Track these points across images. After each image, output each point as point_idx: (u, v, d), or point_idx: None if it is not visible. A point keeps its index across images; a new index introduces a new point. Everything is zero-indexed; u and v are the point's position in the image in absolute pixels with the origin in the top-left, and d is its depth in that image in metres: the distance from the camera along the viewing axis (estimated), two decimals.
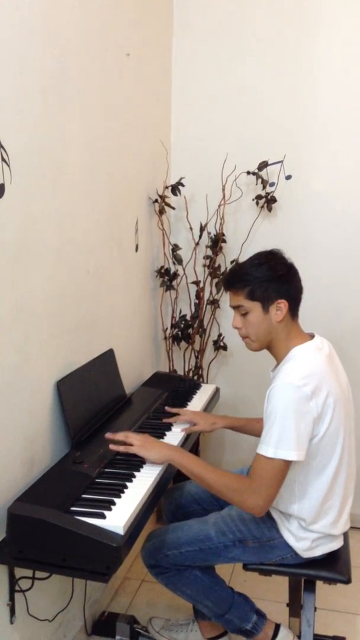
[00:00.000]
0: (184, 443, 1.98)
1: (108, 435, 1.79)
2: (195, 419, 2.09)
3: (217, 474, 1.73)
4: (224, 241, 2.77)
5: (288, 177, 2.66)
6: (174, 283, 2.77)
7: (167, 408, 2.14)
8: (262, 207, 2.72)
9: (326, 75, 2.65)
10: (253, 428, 2.12)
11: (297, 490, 1.73)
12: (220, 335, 2.88)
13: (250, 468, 1.69)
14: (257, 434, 2.12)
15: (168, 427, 2.04)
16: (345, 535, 1.87)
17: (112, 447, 1.76)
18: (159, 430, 2.00)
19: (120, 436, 1.78)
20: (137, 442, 1.75)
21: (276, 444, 1.61)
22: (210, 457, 3.00)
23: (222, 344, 2.87)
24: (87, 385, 1.94)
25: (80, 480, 1.62)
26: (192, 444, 2.09)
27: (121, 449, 1.75)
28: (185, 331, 2.83)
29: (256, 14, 2.69)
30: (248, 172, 2.67)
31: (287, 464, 1.63)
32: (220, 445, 3.05)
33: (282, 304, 1.74)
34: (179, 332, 2.84)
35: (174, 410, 2.12)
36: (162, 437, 1.96)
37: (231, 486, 1.69)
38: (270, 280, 1.75)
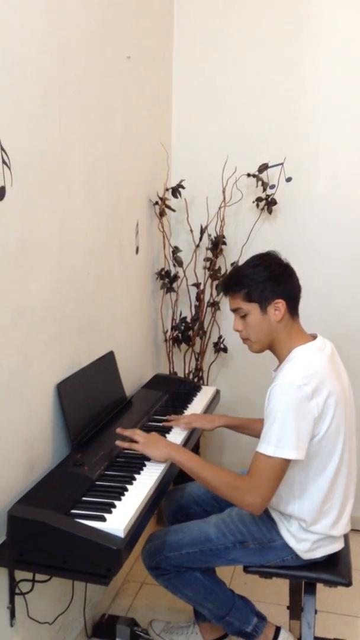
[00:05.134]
0: (185, 443, 1.98)
1: (119, 430, 1.86)
2: (194, 419, 2.10)
3: (216, 471, 1.75)
4: (224, 243, 2.78)
5: (288, 180, 2.66)
6: (175, 285, 2.77)
7: (167, 417, 2.12)
8: (263, 209, 2.73)
9: (327, 77, 2.65)
10: (253, 428, 2.12)
11: (297, 490, 1.73)
12: (220, 337, 2.88)
13: (250, 466, 1.70)
14: (257, 434, 2.12)
15: (168, 429, 2.04)
16: (346, 537, 1.87)
17: (118, 443, 1.81)
18: (159, 432, 1.99)
19: (128, 432, 1.85)
20: (141, 440, 1.81)
21: (276, 442, 1.62)
22: (210, 458, 3.00)
23: (222, 346, 2.87)
24: (87, 387, 1.94)
25: (81, 483, 1.62)
26: (194, 444, 2.09)
27: (125, 445, 1.80)
28: (186, 333, 2.83)
29: (256, 17, 2.69)
30: (248, 175, 2.67)
31: (287, 462, 1.64)
32: (220, 445, 3.05)
33: (280, 304, 1.75)
34: (179, 334, 2.84)
35: (174, 417, 2.12)
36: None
37: (229, 484, 1.71)
38: (267, 280, 1.76)
